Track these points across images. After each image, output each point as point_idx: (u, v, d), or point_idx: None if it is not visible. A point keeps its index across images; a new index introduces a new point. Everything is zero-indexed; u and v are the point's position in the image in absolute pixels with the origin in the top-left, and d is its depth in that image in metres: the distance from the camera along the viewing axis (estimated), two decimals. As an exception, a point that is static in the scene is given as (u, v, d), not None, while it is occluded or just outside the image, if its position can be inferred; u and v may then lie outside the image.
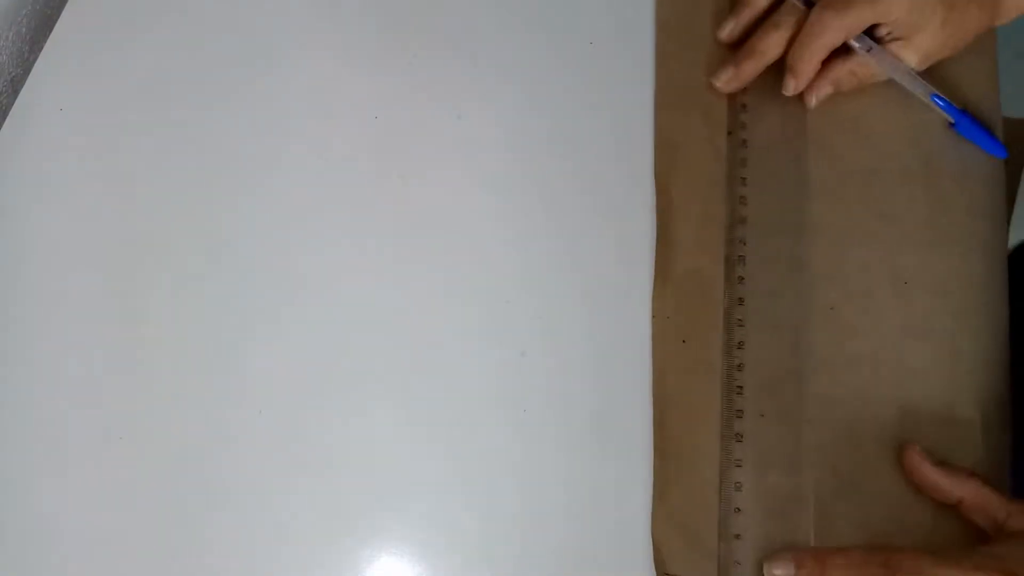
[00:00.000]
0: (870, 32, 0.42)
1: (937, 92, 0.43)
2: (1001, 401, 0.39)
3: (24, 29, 0.47)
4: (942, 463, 0.36)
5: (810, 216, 0.42)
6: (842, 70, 0.43)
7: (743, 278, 0.40)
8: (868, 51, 0.42)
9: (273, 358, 0.38)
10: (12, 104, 0.43)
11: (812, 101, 0.43)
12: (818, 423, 0.38)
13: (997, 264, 0.42)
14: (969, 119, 0.43)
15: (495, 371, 0.38)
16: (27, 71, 0.44)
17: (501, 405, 0.38)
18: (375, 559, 0.35)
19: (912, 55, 0.43)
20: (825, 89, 0.43)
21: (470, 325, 0.39)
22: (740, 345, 0.39)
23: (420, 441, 0.37)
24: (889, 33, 0.42)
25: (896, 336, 0.39)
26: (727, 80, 0.44)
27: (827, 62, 0.43)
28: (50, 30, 0.45)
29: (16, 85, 0.47)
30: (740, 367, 0.39)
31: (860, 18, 0.41)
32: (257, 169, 0.42)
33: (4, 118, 0.43)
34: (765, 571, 0.35)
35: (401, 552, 0.35)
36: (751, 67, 0.43)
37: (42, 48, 0.44)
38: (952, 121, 0.43)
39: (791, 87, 0.43)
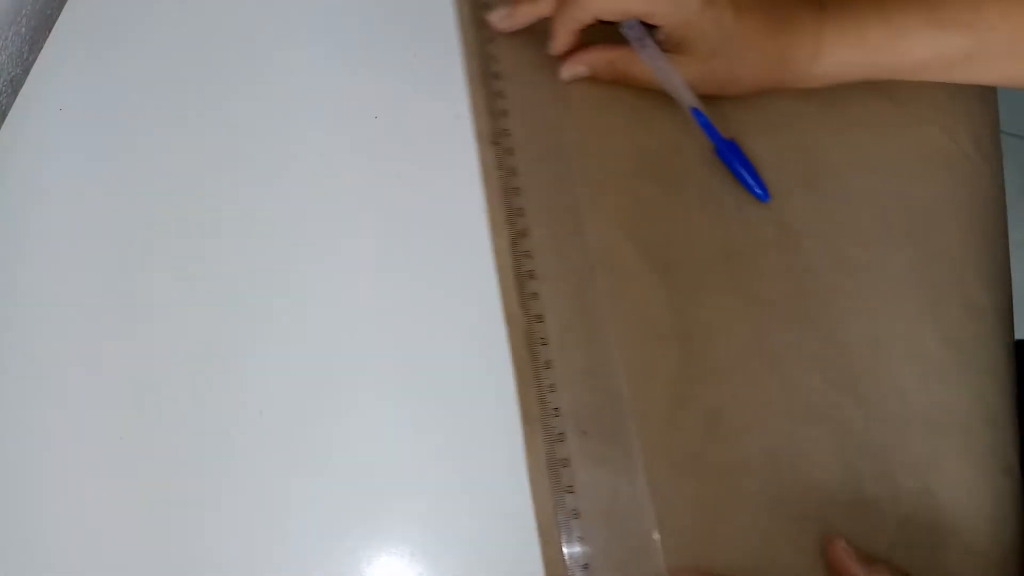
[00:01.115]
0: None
1: (700, 109, 0.41)
2: (915, 464, 0.37)
3: (24, 29, 0.47)
4: (868, 558, 0.35)
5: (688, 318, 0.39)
6: (601, 56, 0.42)
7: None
8: (639, 43, 0.41)
9: (273, 358, 0.38)
10: (12, 104, 0.43)
11: (563, 74, 0.43)
12: (734, 523, 0.36)
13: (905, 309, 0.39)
14: (733, 149, 0.41)
15: (495, 370, 0.38)
16: (26, 71, 0.44)
17: (501, 404, 0.38)
18: (375, 559, 0.35)
19: (684, 71, 0.41)
20: (578, 68, 0.42)
21: (469, 324, 0.39)
22: None
23: (420, 440, 0.37)
24: (665, 40, 0.40)
25: (785, 424, 0.37)
26: (501, 18, 0.43)
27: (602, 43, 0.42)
28: (49, 30, 0.45)
29: (16, 85, 0.46)
30: None
31: (620, 3, 0.39)
32: (257, 169, 0.42)
33: (3, 118, 0.43)
34: None
35: (401, 552, 0.35)
36: (525, 12, 0.42)
37: (41, 48, 0.44)
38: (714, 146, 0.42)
39: (550, 47, 0.42)
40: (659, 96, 0.42)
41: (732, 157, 0.41)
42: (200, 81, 0.44)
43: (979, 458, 0.38)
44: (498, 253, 0.40)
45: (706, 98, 0.41)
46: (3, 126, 0.42)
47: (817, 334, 0.39)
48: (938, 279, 0.41)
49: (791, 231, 0.41)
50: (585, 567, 0.34)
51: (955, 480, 0.37)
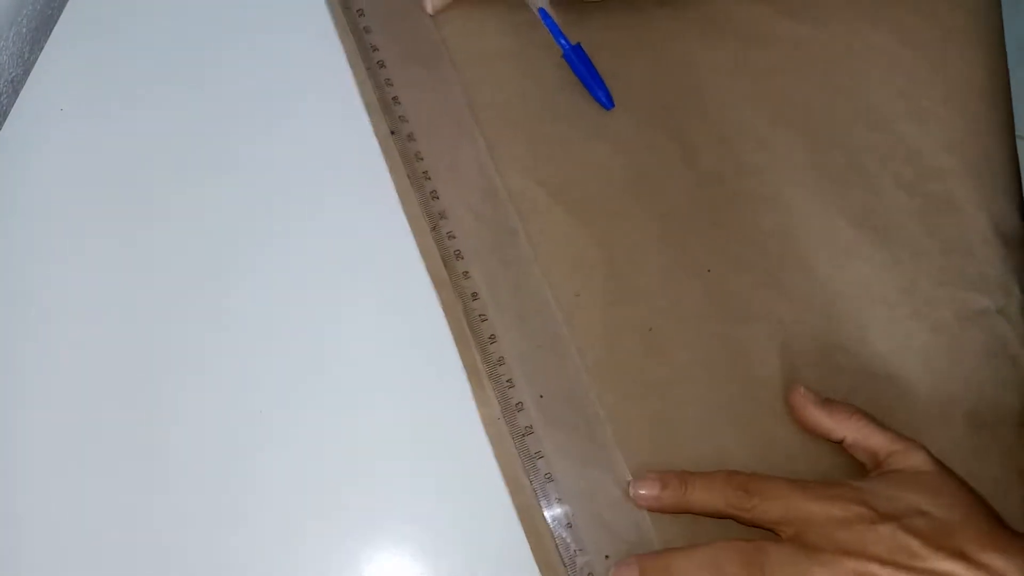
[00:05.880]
0: None
1: (548, 11, 0.42)
2: (846, 344, 0.38)
3: (24, 29, 0.47)
4: (828, 401, 0.36)
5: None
6: None
7: None
8: None
9: (272, 358, 0.38)
10: (12, 105, 0.43)
11: (427, 7, 0.43)
12: (685, 432, 0.37)
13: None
14: (579, 53, 0.42)
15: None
16: (27, 71, 0.44)
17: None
18: (375, 559, 0.35)
19: None
20: None
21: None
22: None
23: (420, 440, 0.37)
24: None
25: (719, 328, 0.39)
26: None
27: None
28: (50, 30, 0.45)
29: (16, 85, 0.47)
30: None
31: None
32: (258, 168, 0.42)
33: (4, 119, 0.43)
34: (631, 491, 0.35)
35: (401, 552, 0.35)
36: None
37: (42, 48, 0.44)
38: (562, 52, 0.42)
39: None
40: (539, 40, 0.43)
41: (577, 61, 0.42)
42: (201, 81, 0.44)
43: (902, 326, 0.39)
44: (419, 233, 0.40)
45: (573, 3, 0.42)
46: (4, 126, 0.42)
47: (734, 238, 0.40)
48: (837, 169, 0.42)
49: (690, 145, 0.42)
50: (568, 526, 0.35)
51: (884, 351, 0.39)
